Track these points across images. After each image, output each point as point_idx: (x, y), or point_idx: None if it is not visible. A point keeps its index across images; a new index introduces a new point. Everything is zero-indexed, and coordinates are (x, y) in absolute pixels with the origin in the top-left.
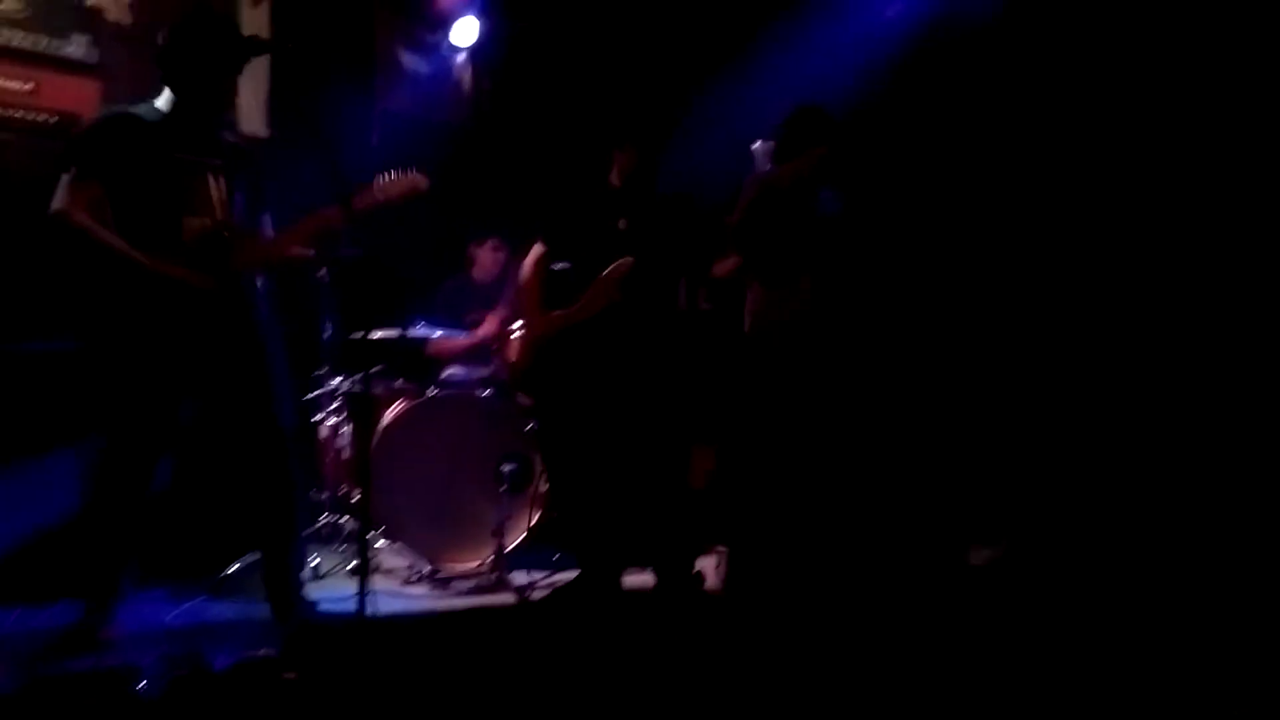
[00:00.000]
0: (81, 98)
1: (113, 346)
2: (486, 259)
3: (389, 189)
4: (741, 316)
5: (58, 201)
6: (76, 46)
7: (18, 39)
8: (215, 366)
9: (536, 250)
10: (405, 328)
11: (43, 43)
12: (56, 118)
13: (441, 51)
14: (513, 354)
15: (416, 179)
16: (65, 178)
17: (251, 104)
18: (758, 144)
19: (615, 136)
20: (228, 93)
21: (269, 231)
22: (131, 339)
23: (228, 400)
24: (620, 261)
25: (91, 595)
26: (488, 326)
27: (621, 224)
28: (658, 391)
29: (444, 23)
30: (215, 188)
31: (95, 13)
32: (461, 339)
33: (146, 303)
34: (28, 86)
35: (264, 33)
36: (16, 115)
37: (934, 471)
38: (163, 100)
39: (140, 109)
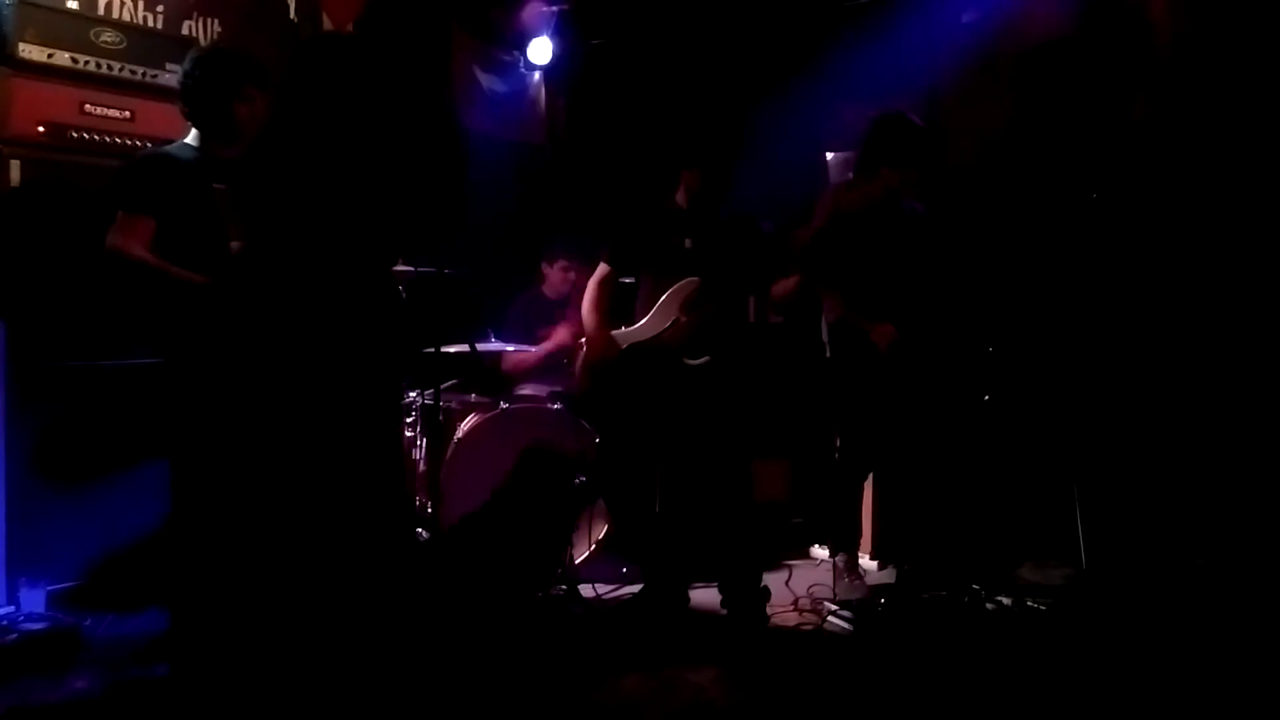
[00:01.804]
0: (174, 124)
1: (185, 367)
2: (556, 278)
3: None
4: (813, 329)
5: (112, 238)
6: (171, 75)
7: (116, 69)
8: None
9: (601, 270)
10: (476, 342)
11: (139, 73)
12: (151, 143)
13: (518, 71)
14: (575, 374)
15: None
16: (118, 215)
17: None
18: (831, 155)
19: (682, 156)
20: (243, 124)
21: None
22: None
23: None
24: (686, 281)
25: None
26: (557, 338)
27: (687, 243)
28: (724, 406)
29: (520, 43)
30: None
31: (188, 43)
32: (532, 353)
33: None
34: (125, 114)
35: None
36: (116, 141)
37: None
38: (191, 137)
39: (173, 149)
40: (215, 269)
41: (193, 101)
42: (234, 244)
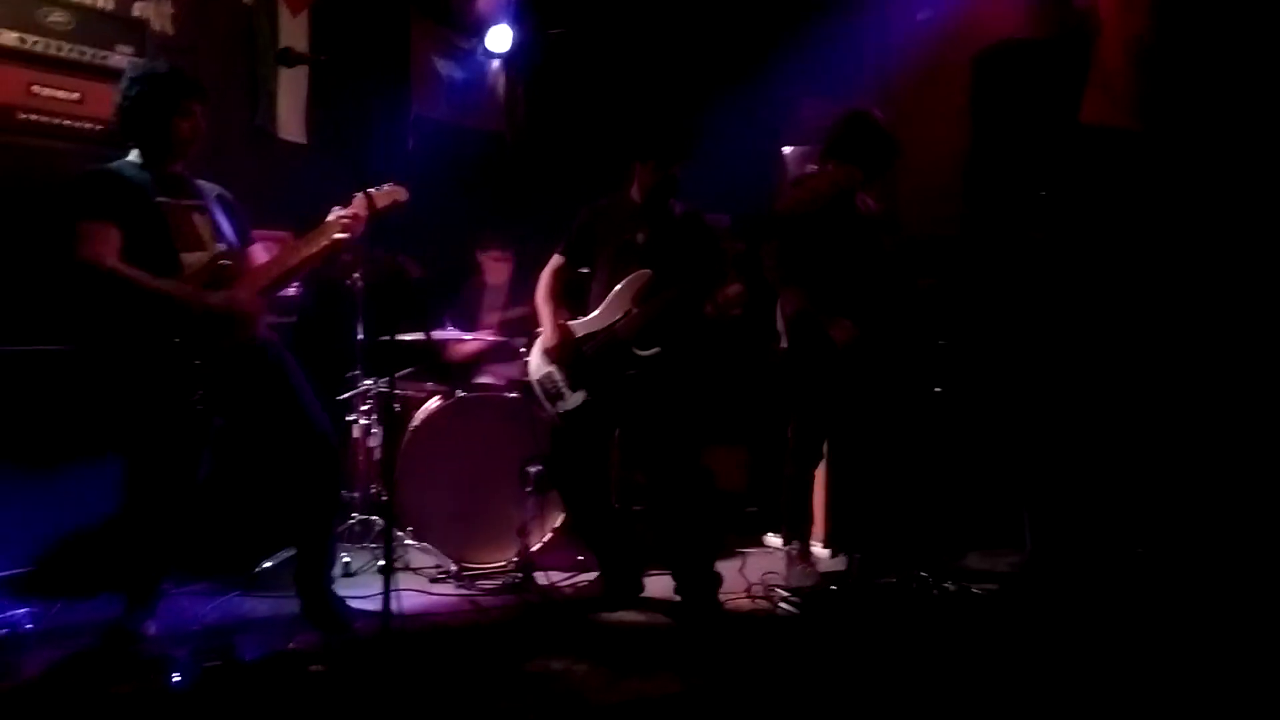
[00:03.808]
0: None
1: (135, 360)
2: (489, 266)
3: (373, 201)
4: (768, 321)
5: (83, 250)
6: (121, 57)
7: (65, 50)
8: (239, 388)
9: (555, 261)
10: (429, 330)
11: (88, 54)
12: (101, 126)
13: (476, 58)
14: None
15: (396, 191)
16: (79, 226)
17: (290, 113)
18: (788, 149)
19: (636, 150)
20: (184, 139)
21: (261, 257)
22: (155, 355)
23: (260, 419)
24: (638, 273)
25: (131, 590)
26: (488, 326)
27: (640, 237)
28: (674, 397)
29: (479, 30)
30: (201, 223)
31: (139, 24)
32: (473, 343)
33: (169, 325)
34: (74, 96)
35: (303, 43)
36: (64, 124)
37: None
38: (133, 155)
39: (116, 166)
40: (167, 272)
41: (132, 120)
42: (190, 256)
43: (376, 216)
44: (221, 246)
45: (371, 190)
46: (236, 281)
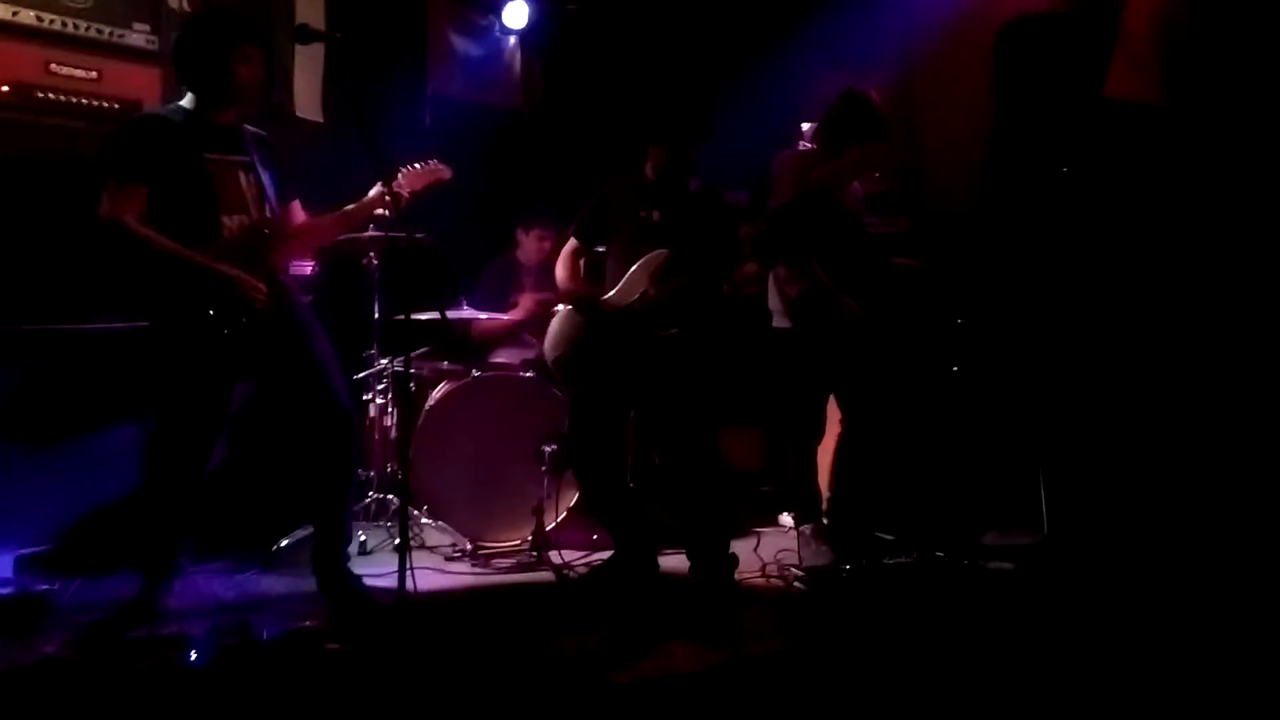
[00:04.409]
0: (143, 85)
1: (166, 332)
2: (531, 245)
3: (414, 180)
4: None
5: (106, 207)
6: (138, 35)
7: (83, 29)
8: (265, 354)
9: (571, 243)
10: (446, 309)
11: (106, 32)
12: (119, 105)
13: (493, 34)
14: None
15: (439, 169)
16: (108, 183)
17: (306, 91)
18: (806, 125)
19: (649, 131)
20: (242, 85)
21: (299, 217)
22: (183, 327)
23: (282, 385)
24: (655, 253)
25: (149, 568)
26: (525, 305)
27: (655, 216)
28: (691, 377)
29: (496, 6)
30: (246, 184)
31: (156, 2)
32: (503, 320)
33: (198, 294)
34: (92, 75)
35: (319, 20)
36: (82, 103)
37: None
38: (186, 100)
39: (167, 111)
40: (203, 238)
41: (188, 62)
42: (230, 219)
43: (418, 194)
44: (264, 212)
45: (416, 166)
46: (270, 250)
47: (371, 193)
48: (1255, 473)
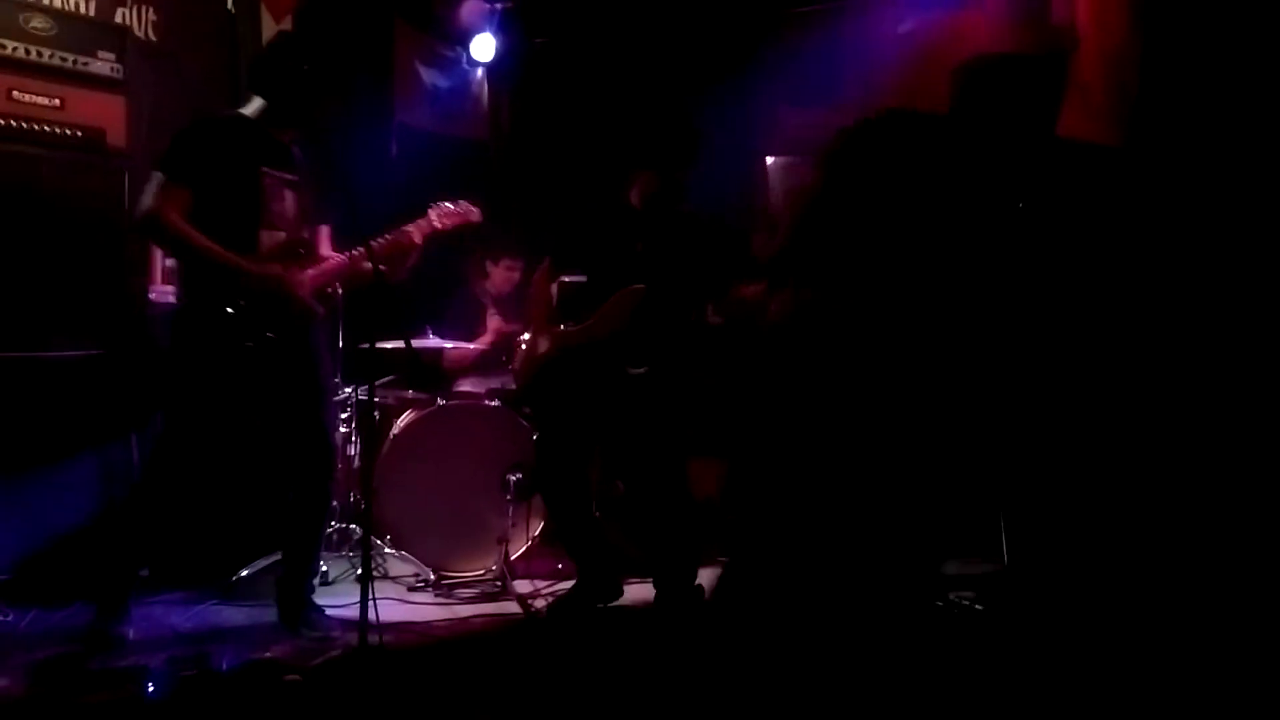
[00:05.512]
0: (106, 113)
1: (190, 337)
2: (500, 276)
3: (445, 218)
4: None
5: (150, 201)
6: (103, 63)
7: (46, 56)
8: (275, 374)
9: (546, 270)
10: (411, 338)
11: (69, 60)
12: (81, 133)
13: (460, 66)
14: (517, 367)
15: (470, 211)
16: (158, 177)
17: None
18: (771, 159)
19: (637, 157)
20: (309, 110)
21: (326, 245)
22: (209, 332)
23: (280, 410)
24: (633, 288)
25: (105, 598)
26: (493, 328)
27: (639, 246)
28: (661, 411)
29: (463, 38)
30: (291, 203)
31: (121, 31)
32: (470, 349)
33: (227, 295)
34: (55, 102)
35: None
36: (45, 130)
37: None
38: (251, 108)
39: (234, 116)
40: (242, 247)
41: (276, 76)
42: (270, 235)
43: (445, 234)
44: (303, 232)
45: (448, 205)
46: (305, 270)
47: (406, 228)
48: (1215, 502)
